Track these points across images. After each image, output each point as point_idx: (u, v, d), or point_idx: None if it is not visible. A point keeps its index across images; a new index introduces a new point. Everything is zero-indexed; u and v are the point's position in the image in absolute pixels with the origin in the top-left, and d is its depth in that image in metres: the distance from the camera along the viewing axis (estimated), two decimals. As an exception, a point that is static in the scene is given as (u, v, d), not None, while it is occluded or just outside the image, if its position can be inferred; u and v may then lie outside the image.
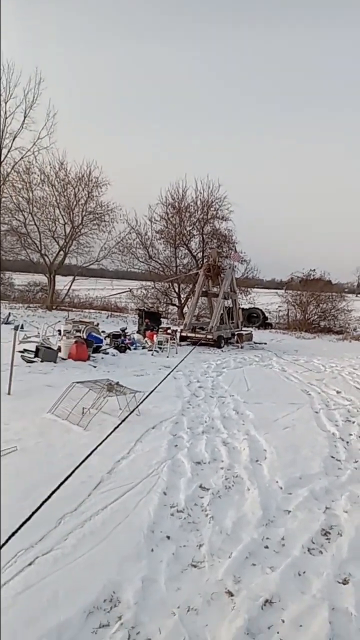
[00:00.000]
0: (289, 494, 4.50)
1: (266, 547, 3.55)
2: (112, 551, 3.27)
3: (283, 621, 2.78)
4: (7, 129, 24.62)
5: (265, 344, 17.88)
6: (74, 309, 24.78)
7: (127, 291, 26.57)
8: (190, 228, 26.59)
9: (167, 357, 12.58)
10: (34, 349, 10.16)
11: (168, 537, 3.55)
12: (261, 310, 26.58)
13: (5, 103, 24.26)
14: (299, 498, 4.41)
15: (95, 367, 10.16)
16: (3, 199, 24.50)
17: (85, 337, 11.93)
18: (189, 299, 25.28)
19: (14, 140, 24.87)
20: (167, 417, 6.65)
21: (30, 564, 3.03)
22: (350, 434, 6.58)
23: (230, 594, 2.97)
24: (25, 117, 24.51)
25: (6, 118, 24.38)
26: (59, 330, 13.14)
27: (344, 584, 3.17)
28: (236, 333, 17.27)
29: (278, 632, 2.68)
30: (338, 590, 3.11)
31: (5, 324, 16.16)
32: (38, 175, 24.21)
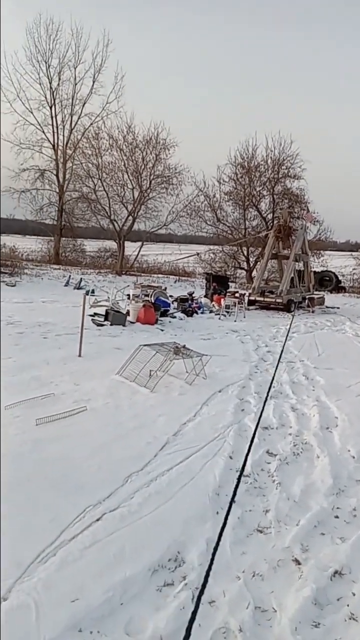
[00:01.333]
0: (362, 464, 4.28)
1: (336, 517, 3.40)
2: (177, 512, 3.27)
3: (353, 594, 2.65)
4: (77, 95, 24.84)
5: (338, 308, 17.09)
6: (142, 274, 25.09)
7: (194, 255, 26.38)
8: (260, 188, 25.69)
9: (235, 321, 12.40)
10: (103, 313, 10.40)
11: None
12: (334, 273, 25.37)
13: (75, 69, 24.40)
14: (374, 468, 4.18)
15: (162, 330, 10.24)
16: (74, 167, 24.92)
17: (153, 301, 12.02)
18: (258, 262, 24.65)
19: (83, 106, 25.09)
20: (234, 380, 6.56)
21: (98, 520, 3.11)
22: None
23: (298, 562, 2.88)
24: (94, 82, 24.56)
25: (75, 84, 24.56)
26: (128, 295, 13.34)
27: None
28: (307, 297, 16.64)
29: (348, 605, 2.56)
30: None
31: (77, 289, 16.71)
32: (107, 140, 24.30)
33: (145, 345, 6.64)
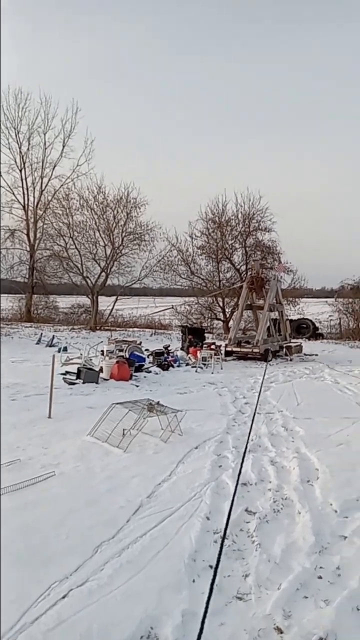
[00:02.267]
0: (345, 518, 4.19)
1: (319, 577, 3.29)
2: (151, 582, 3.11)
3: (340, 663, 2.53)
4: (47, 158, 25.80)
5: (316, 355, 17.30)
6: (117, 329, 25.10)
7: (169, 308, 26.65)
8: (232, 242, 26.54)
9: (212, 373, 12.40)
10: (75, 371, 10.28)
11: (211, 567, 3.35)
12: (311, 320, 25.89)
13: (44, 134, 25.49)
14: (357, 522, 4.09)
15: (137, 386, 10.13)
16: (45, 226, 25.48)
17: (127, 356, 11.97)
18: (234, 313, 25.02)
19: (53, 169, 26.02)
20: (210, 436, 6.47)
21: (64, 597, 2.93)
22: None
23: (280, 631, 2.74)
24: (64, 147, 25.63)
25: (45, 149, 25.57)
26: (102, 351, 13.26)
27: None
28: (284, 345, 16.84)
29: None
30: None
31: (49, 346, 16.55)
32: (77, 201, 25.04)
33: (117, 403, 6.56)
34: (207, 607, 2.63)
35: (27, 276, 26.55)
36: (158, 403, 6.70)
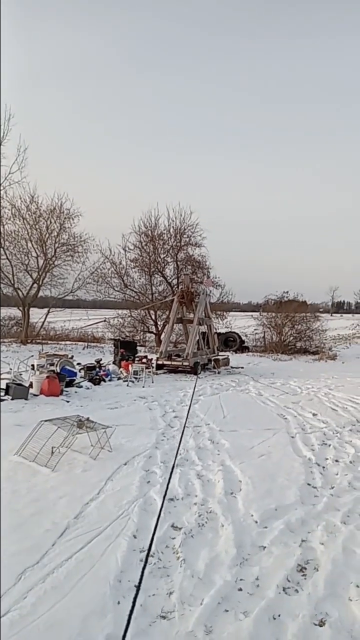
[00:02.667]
0: (264, 528, 4.34)
1: (240, 589, 3.37)
2: (75, 608, 3.04)
3: (256, 674, 2.60)
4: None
5: (242, 368, 17.81)
6: (49, 342, 24.38)
7: (102, 321, 26.33)
8: (165, 255, 26.73)
9: (143, 387, 12.37)
10: (4, 387, 9.85)
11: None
12: (237, 334, 26.63)
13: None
14: (275, 532, 4.25)
15: (68, 402, 9.88)
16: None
17: (58, 371, 11.66)
18: (166, 326, 25.18)
19: (-17, 176, 24.90)
20: (140, 451, 6.44)
21: (-16, 630, 2.79)
22: (327, 458, 6.48)
23: (201, 647, 2.78)
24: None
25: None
26: (32, 365, 12.82)
27: (320, 625, 3.01)
28: (213, 358, 17.17)
29: None
30: (314, 633, 2.94)
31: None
32: (9, 210, 24.13)
33: (46, 420, 6.36)
34: (125, 631, 2.60)
35: None
36: (88, 419, 6.58)
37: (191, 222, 26.19)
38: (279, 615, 3.10)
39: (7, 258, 23.81)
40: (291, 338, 25.57)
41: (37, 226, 24.44)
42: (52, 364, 12.49)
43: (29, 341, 22.99)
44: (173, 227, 26.36)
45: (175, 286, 25.72)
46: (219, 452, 6.61)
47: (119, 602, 3.14)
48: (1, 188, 23.79)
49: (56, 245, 24.81)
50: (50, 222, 24.69)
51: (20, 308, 24.92)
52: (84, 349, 22.59)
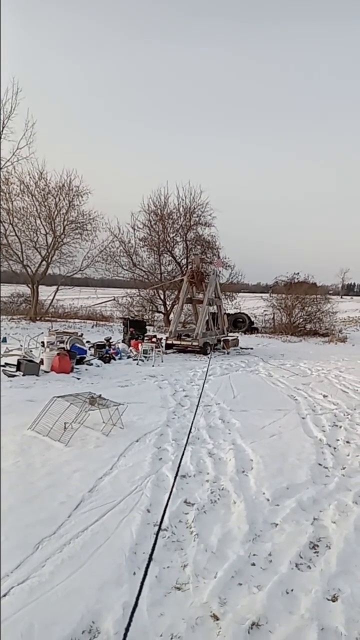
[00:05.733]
0: (276, 506, 4.39)
1: (253, 564, 3.44)
2: (92, 577, 3.12)
3: (270, 645, 2.67)
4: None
5: (252, 349, 17.82)
6: (58, 319, 24.51)
7: (111, 300, 26.40)
8: (174, 235, 26.57)
9: (153, 366, 12.44)
10: (15, 363, 9.95)
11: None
12: (247, 315, 26.59)
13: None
14: (286, 510, 4.30)
15: (78, 379, 9.98)
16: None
17: (68, 348, 11.75)
18: (175, 306, 25.18)
19: (-8, 150, 24.72)
20: (151, 429, 6.51)
21: (5, 595, 2.88)
22: (337, 439, 6.52)
23: (216, 618, 2.85)
24: (2, 128, 24.34)
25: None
26: (42, 342, 12.92)
27: (333, 601, 3.07)
28: (222, 339, 17.20)
29: (265, 658, 2.57)
30: (327, 608, 3.00)
31: (-13, 337, 15.87)
32: (17, 186, 24.00)
33: (58, 396, 6.43)
34: (137, 600, 2.66)
35: None
36: (100, 396, 6.65)
37: (201, 202, 25.95)
38: (292, 590, 3.16)
39: (16, 235, 23.78)
40: (301, 320, 25.49)
41: (45, 203, 24.34)
42: (62, 342, 12.57)
43: (38, 318, 23.12)
44: (183, 206, 26.14)
45: (185, 266, 25.63)
46: (230, 432, 6.66)
47: (134, 573, 3.21)
48: (9, 164, 23.61)
49: (65, 222, 24.74)
50: (59, 199, 24.57)
51: (29, 285, 24.99)
52: (92, 327, 22.70)
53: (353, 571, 3.42)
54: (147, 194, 27.19)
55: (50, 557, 3.32)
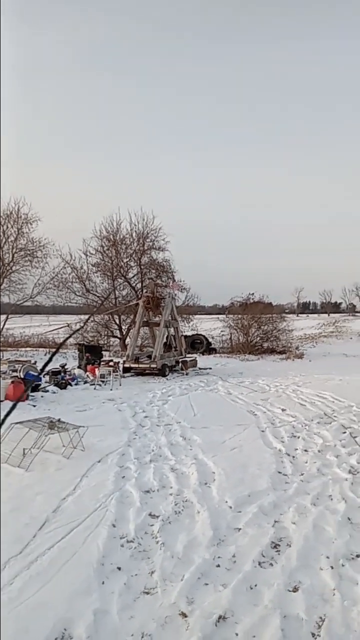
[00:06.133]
0: (239, 512, 4.64)
1: (217, 566, 3.66)
2: (61, 589, 3.24)
3: (237, 634, 2.88)
4: None
5: (210, 368, 18.20)
6: (9, 349, 24.07)
7: (64, 326, 26.20)
8: (127, 260, 26.89)
9: (111, 389, 12.52)
10: (-33, 393, 9.80)
11: (119, 568, 3.57)
12: (204, 336, 27.09)
13: None
14: (249, 515, 4.56)
15: (34, 406, 9.94)
16: None
17: (22, 376, 11.66)
18: (131, 330, 25.33)
19: None
20: (113, 449, 6.64)
21: (-27, 613, 2.95)
22: (296, 449, 6.87)
23: (184, 615, 3.04)
24: None
25: None
26: (-6, 372, 12.73)
27: (294, 591, 3.33)
28: (180, 360, 17.48)
29: (233, 646, 2.78)
30: (288, 598, 3.26)
31: None
32: None
33: (17, 422, 6.47)
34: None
35: None
36: (59, 420, 6.74)
37: (154, 227, 26.51)
38: (256, 585, 3.40)
39: None
40: (258, 339, 26.23)
41: (-8, 232, 24.06)
42: (14, 370, 12.46)
43: (-13, 349, 22.61)
44: (136, 231, 26.61)
45: (140, 290, 25.94)
46: (191, 447, 6.89)
47: (103, 582, 3.36)
48: None
49: (14, 250, 24.56)
50: (7, 227, 24.42)
51: (-22, 315, 24.46)
52: (45, 354, 22.45)
53: (312, 565, 3.70)
54: (98, 220, 27.41)
55: (18, 574, 3.41)
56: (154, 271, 26.87)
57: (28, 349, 25.13)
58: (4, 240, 24.29)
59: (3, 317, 26.06)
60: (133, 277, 27.19)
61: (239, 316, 27.38)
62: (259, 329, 26.28)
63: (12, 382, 10.36)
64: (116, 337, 27.15)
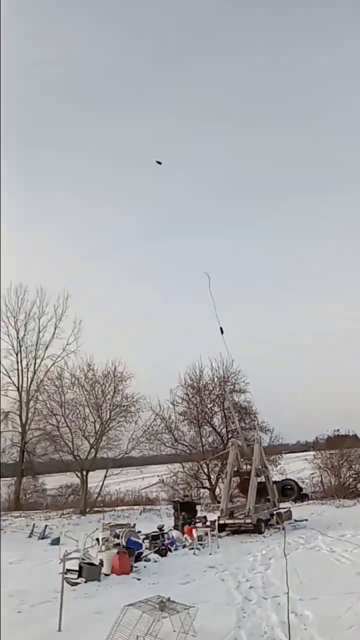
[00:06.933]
0: None
1: None
2: None
3: None
4: (40, 341, 27.45)
5: (307, 520, 16.71)
6: (106, 509, 23.77)
7: (159, 482, 25.86)
8: (211, 405, 27.17)
9: (210, 554, 11.85)
10: (76, 567, 9.72)
11: None
12: (294, 481, 25.30)
13: (39, 319, 27.58)
14: None
15: (139, 579, 9.59)
16: (38, 406, 25.74)
17: (124, 544, 11.46)
18: (219, 479, 24.42)
19: (46, 350, 27.50)
20: (223, 633, 6.19)
21: None
22: None
23: None
24: (55, 329, 27.50)
25: (39, 332, 27.42)
26: (97, 539, 12.61)
27: None
28: (275, 512, 16.34)
29: None
30: None
31: (42, 538, 15.57)
32: (69, 379, 25.69)
33: (129, 605, 6.33)
34: None
35: (17, 459, 25.81)
36: (169, 599, 6.50)
37: (233, 370, 27.08)
38: None
39: (67, 425, 24.59)
40: (351, 480, 24.11)
41: (93, 392, 25.64)
42: (116, 536, 12.27)
43: (87, 511, 22.51)
44: (217, 376, 27.27)
45: (225, 435, 25.60)
46: (305, 627, 6.26)
47: None
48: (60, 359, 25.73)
49: (111, 407, 25.73)
50: (105, 386, 25.96)
51: (78, 474, 24.88)
52: (140, 513, 21.90)
53: None
54: (183, 369, 28.50)
55: None
56: (237, 414, 26.66)
57: (124, 507, 24.67)
58: (102, 399, 25.65)
59: (99, 472, 26.29)
60: (217, 422, 27.08)
61: (327, 455, 25.61)
62: (349, 468, 24.31)
63: (117, 552, 10.20)
64: (206, 487, 26.16)
